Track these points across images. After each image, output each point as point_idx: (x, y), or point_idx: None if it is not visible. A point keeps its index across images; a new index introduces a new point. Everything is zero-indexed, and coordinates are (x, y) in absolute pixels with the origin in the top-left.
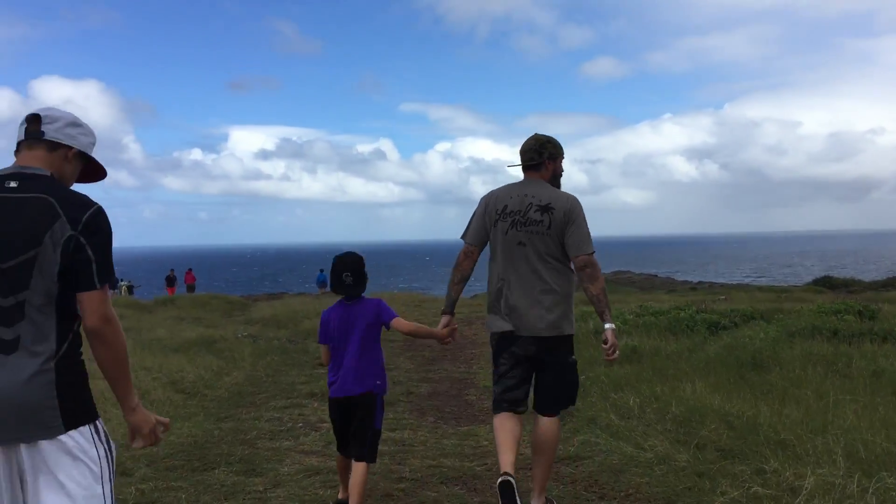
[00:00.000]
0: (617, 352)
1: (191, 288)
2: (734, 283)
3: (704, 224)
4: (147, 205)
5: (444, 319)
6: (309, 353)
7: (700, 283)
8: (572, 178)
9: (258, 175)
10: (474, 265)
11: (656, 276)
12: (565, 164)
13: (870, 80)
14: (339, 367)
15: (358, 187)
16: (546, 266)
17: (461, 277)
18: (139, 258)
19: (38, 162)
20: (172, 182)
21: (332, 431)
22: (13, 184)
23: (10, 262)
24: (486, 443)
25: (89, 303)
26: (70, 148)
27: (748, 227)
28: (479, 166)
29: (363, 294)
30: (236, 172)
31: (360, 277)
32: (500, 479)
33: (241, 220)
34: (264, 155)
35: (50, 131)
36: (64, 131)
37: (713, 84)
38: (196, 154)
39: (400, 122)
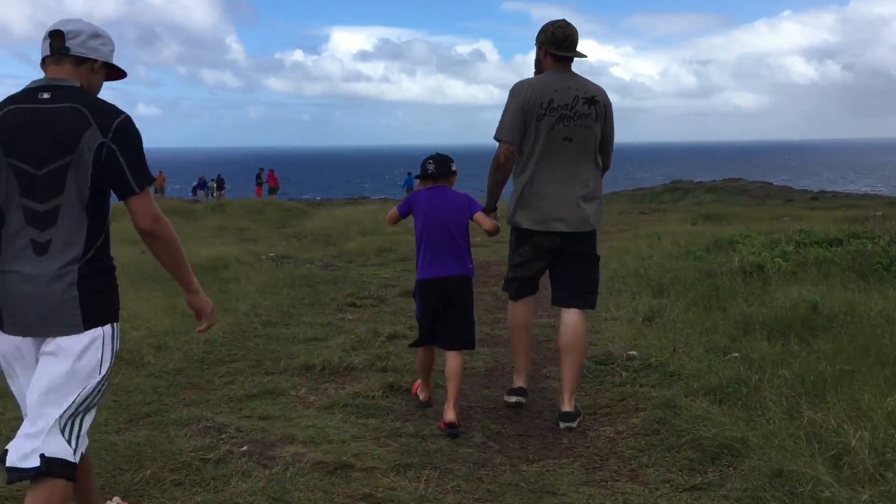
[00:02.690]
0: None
1: (273, 190)
2: (860, 192)
3: (822, 129)
4: (252, 106)
5: (491, 216)
6: (343, 285)
7: (822, 192)
8: (679, 79)
9: (358, 77)
10: (513, 164)
11: (771, 184)
12: (674, 63)
13: None
14: (431, 248)
15: (457, 89)
16: (587, 161)
17: (503, 179)
18: (242, 158)
19: (66, 75)
20: (275, 83)
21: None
22: (46, 95)
23: (45, 168)
24: None
25: (135, 207)
26: (95, 60)
27: (870, 132)
28: (582, 67)
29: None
30: (337, 74)
31: (444, 169)
32: (513, 399)
33: (344, 123)
34: (363, 56)
35: (74, 46)
36: (87, 45)
37: None
38: (297, 55)
39: (501, 23)
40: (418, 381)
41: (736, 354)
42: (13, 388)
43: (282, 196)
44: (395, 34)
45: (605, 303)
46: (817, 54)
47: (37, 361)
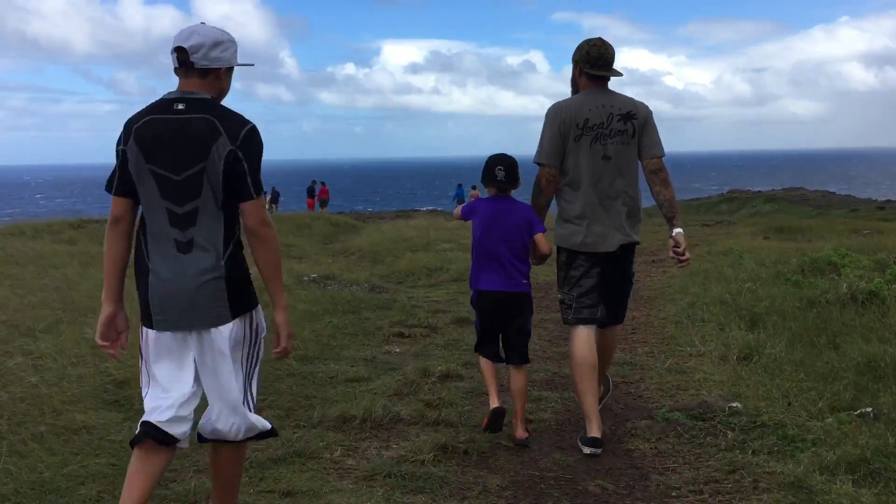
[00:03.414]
0: (688, 254)
1: (324, 203)
2: None
3: (882, 137)
4: (305, 119)
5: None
6: (391, 311)
7: (888, 201)
8: (734, 87)
9: (409, 89)
10: (556, 187)
11: (833, 193)
12: (728, 72)
13: None
14: (492, 261)
15: (508, 100)
16: (627, 179)
17: (547, 203)
18: (297, 170)
19: (196, 87)
20: (327, 97)
21: None
22: (181, 106)
23: (183, 173)
24: None
25: (249, 209)
26: (219, 69)
27: None
28: (633, 77)
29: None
30: (388, 86)
31: (513, 175)
32: (587, 450)
33: (395, 134)
34: (414, 68)
35: (198, 60)
36: (209, 56)
37: None
38: (349, 69)
39: (551, 33)
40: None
41: (869, 410)
42: (156, 376)
43: (332, 209)
44: (445, 46)
45: (688, 335)
46: (876, 60)
47: (183, 355)
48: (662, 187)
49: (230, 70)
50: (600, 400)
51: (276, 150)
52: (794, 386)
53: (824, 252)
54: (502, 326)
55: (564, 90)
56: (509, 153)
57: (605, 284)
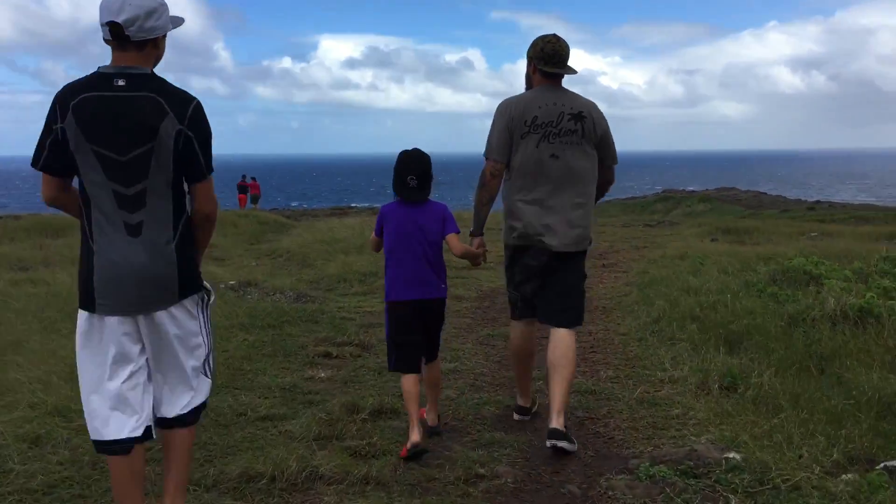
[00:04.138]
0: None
1: (255, 199)
2: (854, 202)
3: (808, 139)
4: (241, 113)
5: (477, 241)
6: (318, 325)
7: (817, 202)
8: (667, 89)
9: (347, 84)
10: (501, 183)
11: (765, 193)
12: (661, 73)
13: None
14: (407, 269)
15: (446, 97)
16: (576, 179)
17: (490, 198)
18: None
19: (134, 60)
20: (263, 91)
21: None
22: (121, 82)
23: (129, 154)
24: None
25: (202, 191)
26: (156, 38)
27: (856, 142)
28: (571, 77)
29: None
30: (325, 81)
31: (426, 180)
32: (517, 416)
33: (333, 130)
34: (352, 64)
35: (134, 33)
36: (145, 27)
37: None
38: (286, 62)
39: (489, 32)
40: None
41: (894, 464)
42: (87, 361)
43: (266, 205)
44: (383, 42)
45: (657, 356)
46: (803, 64)
47: (128, 338)
48: (601, 195)
49: (165, 35)
50: (564, 437)
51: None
52: (797, 429)
53: (796, 260)
54: (420, 337)
55: (502, 88)
56: (447, 150)
57: (553, 285)
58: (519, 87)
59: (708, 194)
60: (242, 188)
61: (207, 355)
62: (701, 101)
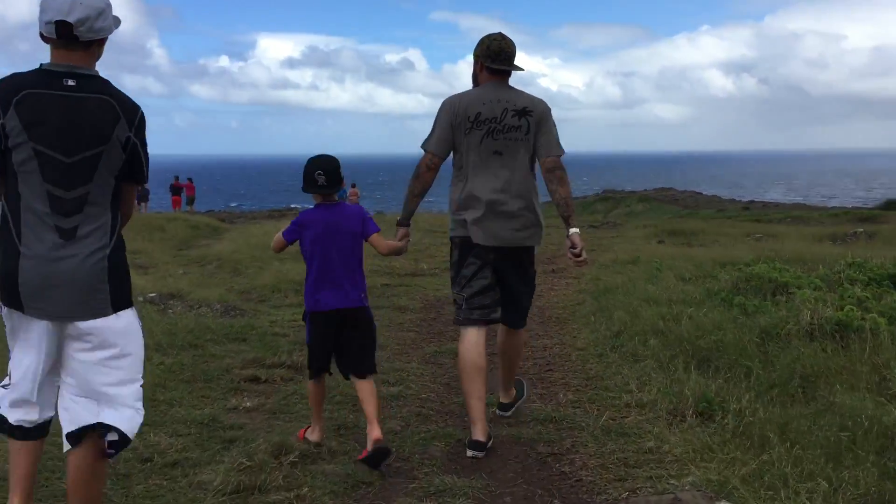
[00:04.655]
0: (585, 255)
1: (190, 200)
2: (786, 201)
3: (739, 141)
4: (177, 113)
5: (402, 231)
6: (246, 343)
7: (752, 202)
8: (605, 90)
9: (286, 84)
10: (435, 176)
11: (701, 193)
12: (599, 75)
13: None
14: (326, 276)
15: (387, 98)
16: (521, 175)
17: (422, 190)
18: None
19: (81, 61)
20: (200, 90)
21: None
22: (71, 82)
23: (76, 156)
24: None
25: (130, 193)
26: (101, 38)
27: (785, 144)
28: (512, 78)
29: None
30: (264, 81)
31: (335, 178)
32: (470, 452)
33: (272, 130)
34: (291, 63)
35: (83, 33)
36: (94, 29)
37: None
38: (223, 61)
39: (430, 32)
40: (305, 428)
41: None
42: (19, 359)
43: (201, 207)
44: (322, 42)
45: (620, 375)
46: (735, 68)
47: (53, 344)
48: (558, 185)
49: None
50: (512, 405)
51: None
52: (791, 468)
53: (759, 267)
54: (338, 345)
55: (443, 88)
56: (389, 150)
57: (501, 286)
58: (459, 87)
59: (647, 194)
60: (175, 189)
61: (132, 379)
62: (637, 102)
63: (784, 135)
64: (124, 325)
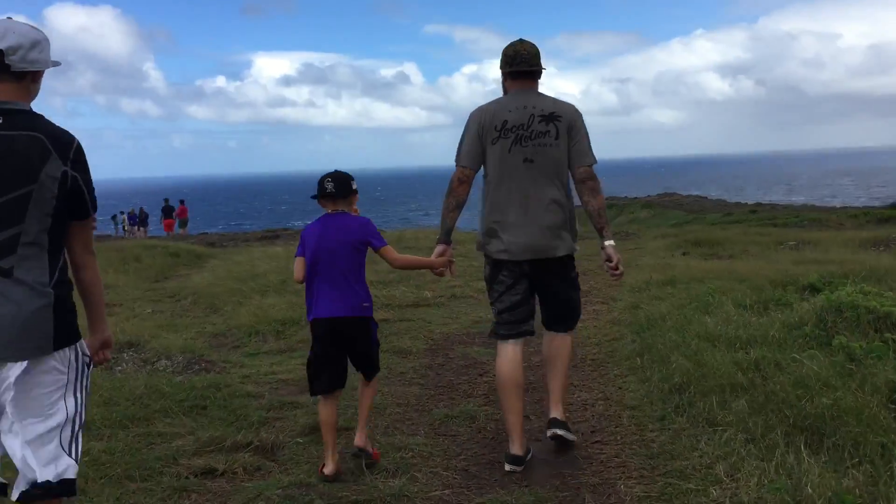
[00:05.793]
0: (622, 267)
1: (183, 223)
2: (789, 202)
3: (738, 143)
4: (176, 134)
5: (440, 248)
6: (206, 413)
7: (758, 204)
8: (601, 97)
9: (283, 102)
10: (469, 190)
11: (706, 197)
12: (595, 82)
13: None
14: (327, 284)
15: (383, 112)
16: (552, 182)
17: (457, 204)
18: (170, 188)
19: (12, 95)
20: (198, 111)
21: None
22: None
23: (3, 197)
24: None
25: (82, 231)
26: (36, 71)
27: (783, 145)
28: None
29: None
30: (261, 99)
31: (343, 187)
32: (508, 467)
33: (271, 149)
34: (287, 81)
35: (15, 62)
36: (28, 59)
37: None
38: (220, 81)
39: (424, 45)
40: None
41: None
42: None
43: (194, 230)
44: (317, 59)
45: (697, 448)
46: (731, 70)
47: None
48: (591, 196)
49: (43, 72)
50: (566, 424)
51: (145, 167)
52: None
53: (844, 292)
54: (342, 355)
55: (440, 101)
56: (387, 164)
57: (542, 296)
58: (456, 99)
59: (651, 200)
60: (167, 211)
61: (69, 429)
62: (634, 108)
63: (782, 136)
64: (59, 364)
